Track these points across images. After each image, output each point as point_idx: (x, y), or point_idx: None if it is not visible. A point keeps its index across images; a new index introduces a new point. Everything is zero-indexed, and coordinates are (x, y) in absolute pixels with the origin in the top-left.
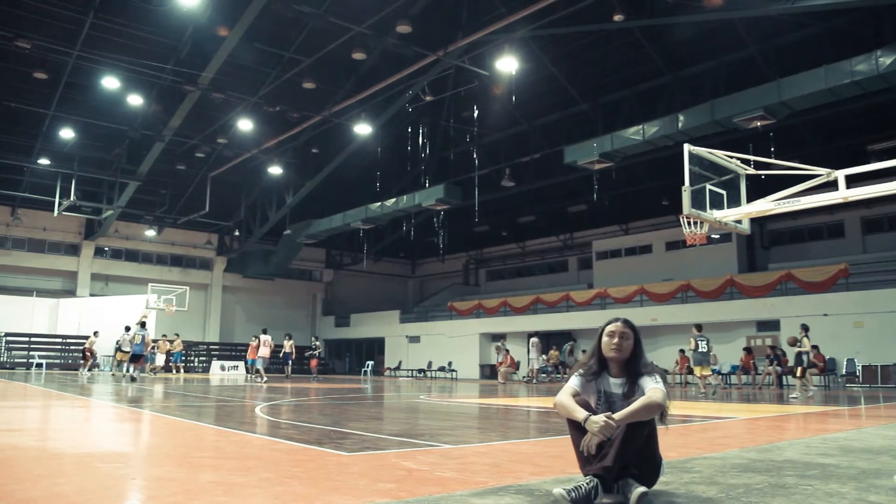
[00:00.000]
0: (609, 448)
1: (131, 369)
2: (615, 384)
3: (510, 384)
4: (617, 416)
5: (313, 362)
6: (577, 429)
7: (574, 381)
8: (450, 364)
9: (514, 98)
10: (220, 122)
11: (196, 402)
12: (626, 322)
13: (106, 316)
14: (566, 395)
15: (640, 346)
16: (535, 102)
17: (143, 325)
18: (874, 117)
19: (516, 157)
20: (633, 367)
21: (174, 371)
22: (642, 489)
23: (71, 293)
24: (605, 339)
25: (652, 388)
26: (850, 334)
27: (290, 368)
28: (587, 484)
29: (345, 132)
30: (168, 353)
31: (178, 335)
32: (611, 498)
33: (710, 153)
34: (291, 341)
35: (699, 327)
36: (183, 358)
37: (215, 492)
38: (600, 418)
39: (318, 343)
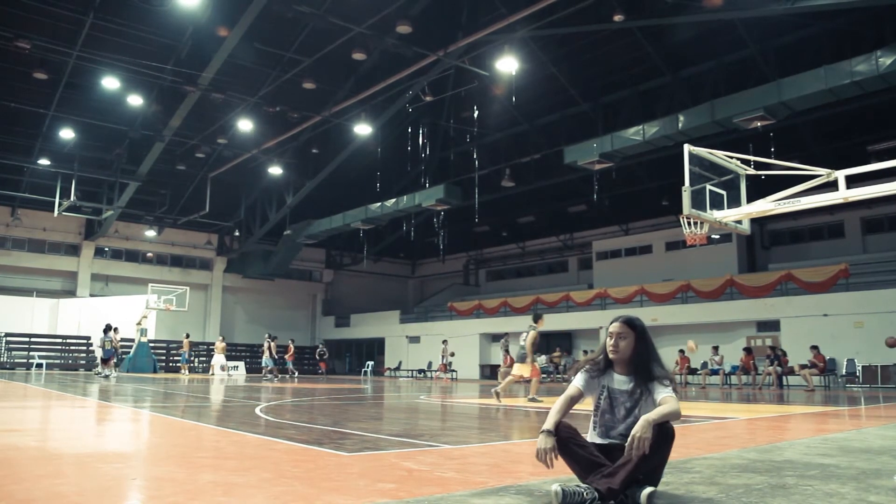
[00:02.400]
0: (621, 469)
1: (104, 370)
2: (620, 381)
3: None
4: (638, 430)
5: (323, 364)
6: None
7: (578, 379)
8: (450, 364)
9: (514, 98)
10: (220, 123)
11: (196, 402)
12: (627, 321)
13: (106, 316)
14: (563, 396)
15: (643, 343)
16: (535, 102)
17: (106, 330)
18: (874, 117)
19: (516, 157)
20: (638, 365)
21: (182, 371)
22: (650, 489)
23: (71, 293)
24: (606, 339)
25: (663, 397)
26: (850, 334)
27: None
28: (586, 493)
29: (345, 132)
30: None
31: (188, 335)
32: None
33: (710, 153)
34: (292, 344)
35: (537, 318)
36: (190, 359)
37: (215, 492)
38: (544, 442)
39: (325, 349)
